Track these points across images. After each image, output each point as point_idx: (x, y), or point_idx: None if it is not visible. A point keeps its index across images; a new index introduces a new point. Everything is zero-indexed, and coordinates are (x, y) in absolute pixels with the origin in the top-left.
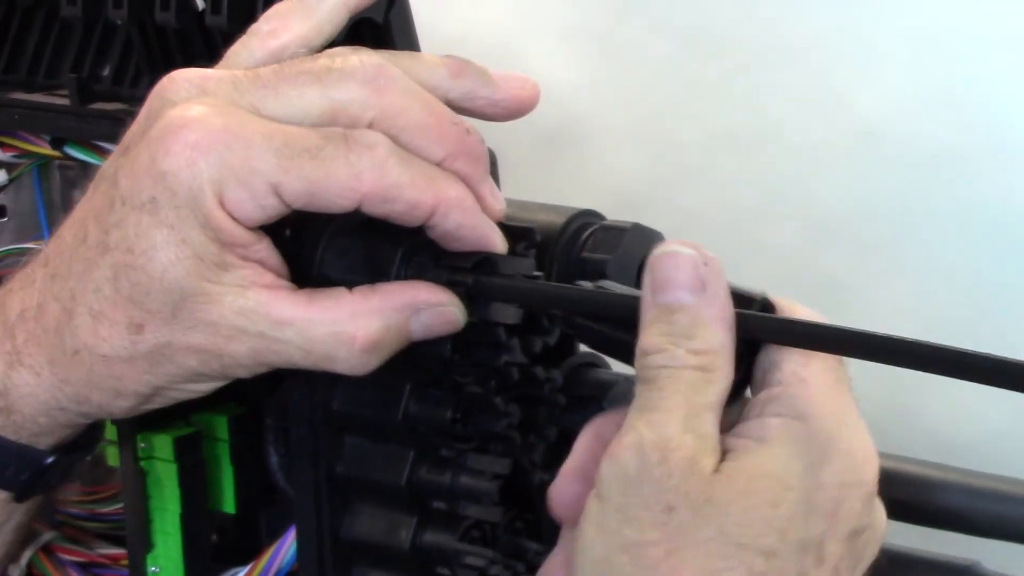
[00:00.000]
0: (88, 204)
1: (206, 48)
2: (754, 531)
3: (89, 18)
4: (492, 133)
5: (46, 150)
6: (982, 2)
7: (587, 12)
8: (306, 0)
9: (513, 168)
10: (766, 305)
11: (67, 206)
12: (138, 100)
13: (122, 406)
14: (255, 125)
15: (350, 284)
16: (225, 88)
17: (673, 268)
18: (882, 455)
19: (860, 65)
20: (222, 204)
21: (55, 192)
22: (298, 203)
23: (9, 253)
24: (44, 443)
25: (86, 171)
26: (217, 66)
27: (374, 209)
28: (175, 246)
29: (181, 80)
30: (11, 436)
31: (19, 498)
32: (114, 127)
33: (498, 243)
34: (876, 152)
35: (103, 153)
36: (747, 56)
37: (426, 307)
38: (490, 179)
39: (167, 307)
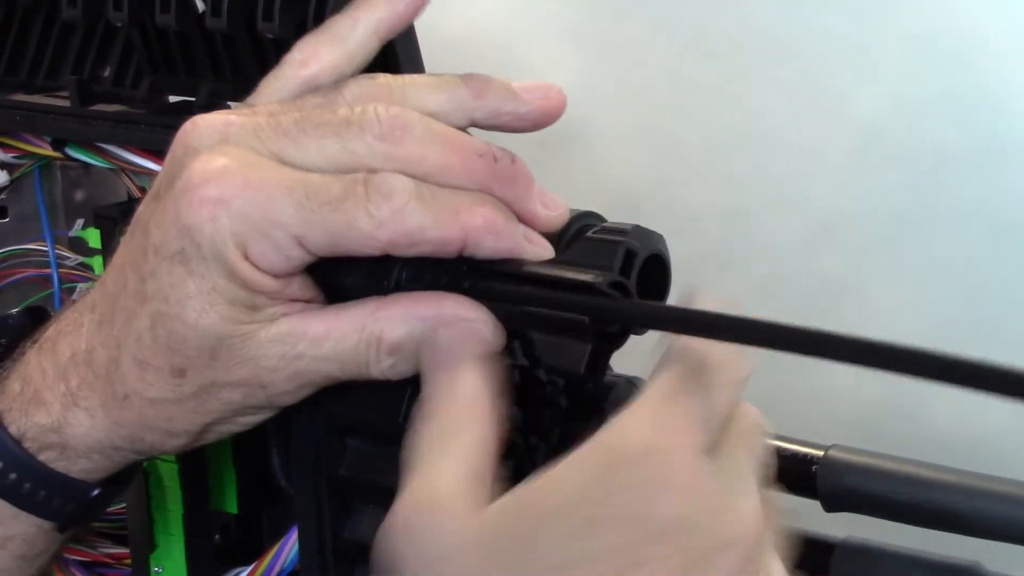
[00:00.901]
0: (126, 251)
1: (207, 50)
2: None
3: (90, 20)
4: (492, 133)
5: (47, 151)
6: (982, 2)
7: (587, 12)
8: (337, 29)
9: None
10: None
11: (68, 206)
12: (139, 101)
13: (175, 444)
14: (276, 177)
15: (350, 283)
16: (247, 136)
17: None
18: (882, 456)
19: (860, 65)
20: (247, 256)
21: (57, 193)
22: (323, 252)
23: (11, 254)
24: (93, 477)
25: (88, 171)
26: (251, 96)
27: (403, 252)
28: (206, 294)
29: (204, 126)
30: (62, 470)
31: (62, 528)
32: (115, 129)
33: (541, 253)
34: (876, 152)
35: (104, 154)
36: (747, 56)
37: (455, 320)
38: (537, 191)
39: (205, 353)
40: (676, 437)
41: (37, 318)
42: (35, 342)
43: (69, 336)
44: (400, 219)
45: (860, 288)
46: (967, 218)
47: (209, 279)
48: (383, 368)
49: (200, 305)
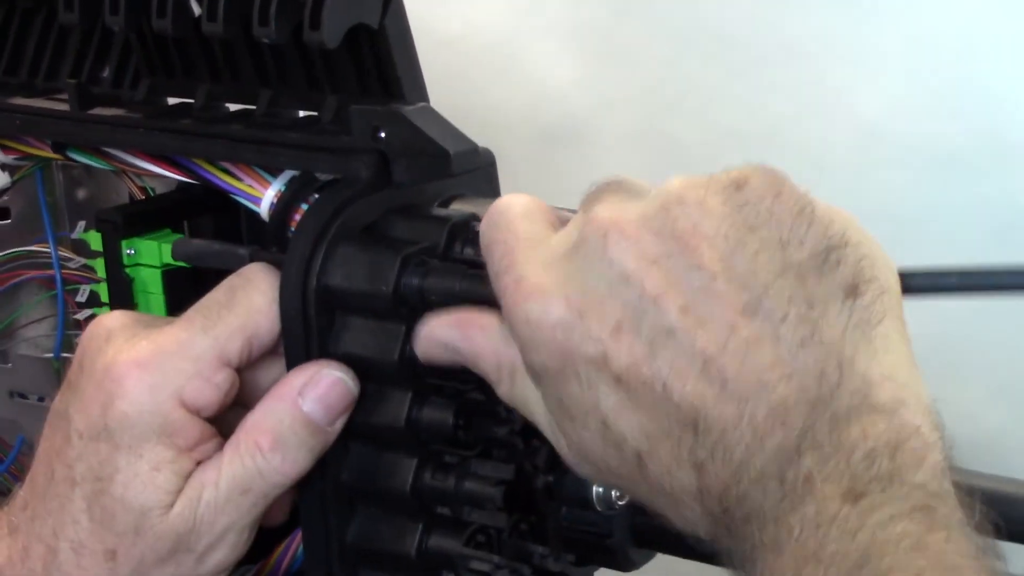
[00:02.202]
0: (48, 443)
1: (204, 54)
2: None
3: (86, 24)
4: (492, 133)
5: (49, 153)
6: (982, 3)
7: (587, 12)
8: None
9: (513, 168)
10: None
11: (70, 207)
12: (137, 103)
13: None
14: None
15: (350, 292)
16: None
17: None
18: (997, 479)
19: (860, 65)
20: (182, 402)
21: (58, 193)
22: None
23: (14, 256)
24: None
25: (89, 171)
26: None
27: None
28: (133, 465)
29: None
30: None
31: None
32: (114, 132)
33: None
34: (876, 152)
35: (105, 156)
36: (747, 56)
37: (311, 386)
38: None
39: (131, 528)
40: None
41: None
42: None
43: (5, 540)
44: None
45: None
46: (967, 218)
47: (136, 448)
48: (275, 466)
49: (125, 478)
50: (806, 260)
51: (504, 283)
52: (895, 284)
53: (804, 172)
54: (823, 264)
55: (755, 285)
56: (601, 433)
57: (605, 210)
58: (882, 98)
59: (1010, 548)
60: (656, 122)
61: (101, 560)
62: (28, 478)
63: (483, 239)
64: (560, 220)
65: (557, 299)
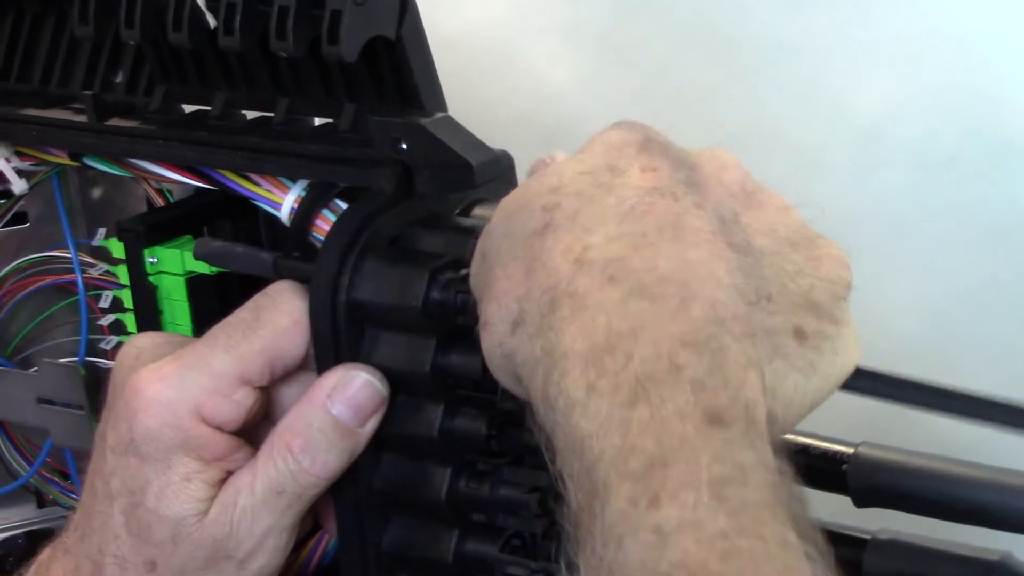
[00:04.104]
0: (92, 464)
1: (220, 66)
2: None
3: (100, 37)
4: (492, 133)
5: (65, 160)
6: (981, 2)
7: (587, 12)
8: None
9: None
10: None
11: (87, 209)
12: (153, 111)
13: None
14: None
15: (380, 306)
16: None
17: None
18: (911, 453)
19: (860, 65)
20: (202, 418)
21: (75, 197)
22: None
23: (33, 262)
24: None
25: (105, 174)
26: None
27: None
28: (162, 476)
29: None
30: None
31: None
32: (132, 144)
33: None
34: (875, 152)
35: (123, 164)
36: (747, 56)
37: (341, 388)
38: None
39: (168, 539)
40: None
41: (37, 541)
42: (31, 566)
43: (60, 561)
44: None
45: (859, 288)
46: (967, 218)
47: (164, 460)
48: (305, 468)
49: (157, 489)
50: (800, 291)
51: None
52: (825, 385)
53: (803, 172)
54: (807, 307)
55: (764, 245)
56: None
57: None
58: (881, 98)
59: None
60: (656, 122)
61: (143, 572)
62: (80, 500)
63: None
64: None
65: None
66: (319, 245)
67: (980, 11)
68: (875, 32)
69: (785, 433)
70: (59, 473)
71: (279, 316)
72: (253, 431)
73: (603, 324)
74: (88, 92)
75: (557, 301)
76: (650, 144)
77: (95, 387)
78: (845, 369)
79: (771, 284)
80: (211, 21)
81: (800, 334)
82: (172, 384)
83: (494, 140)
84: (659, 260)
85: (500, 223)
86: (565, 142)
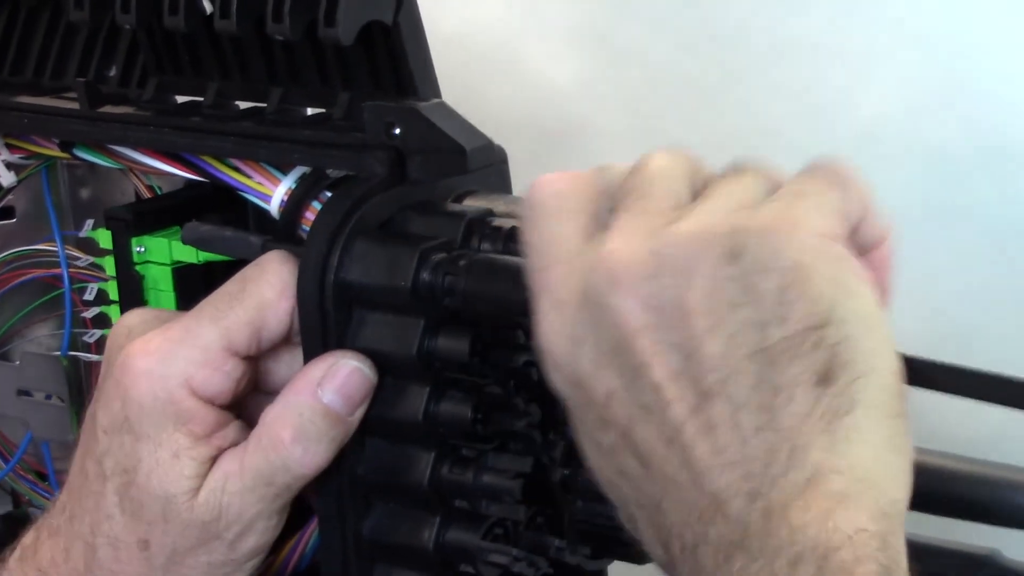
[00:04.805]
0: (82, 446)
1: (214, 52)
2: None
3: (96, 22)
4: (493, 133)
5: (55, 151)
6: (981, 3)
7: (587, 12)
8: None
9: (513, 168)
10: None
11: (75, 206)
12: (146, 101)
13: None
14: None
15: (368, 287)
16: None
17: None
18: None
19: (860, 65)
20: (193, 391)
21: (63, 192)
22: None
23: (20, 255)
24: None
25: (94, 170)
26: None
27: None
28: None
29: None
30: None
31: None
32: (124, 131)
33: None
34: (876, 152)
35: (112, 154)
36: (747, 56)
37: (330, 376)
38: None
39: (159, 516)
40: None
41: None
42: (15, 550)
43: (47, 542)
44: None
45: None
46: (967, 218)
47: (155, 437)
48: (297, 458)
49: (148, 466)
50: (780, 342)
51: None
52: (883, 366)
53: None
54: (799, 346)
55: (722, 368)
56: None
57: (615, 243)
58: (882, 98)
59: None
60: (656, 122)
61: (136, 551)
62: (66, 484)
63: (522, 230)
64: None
65: (566, 352)
66: None
67: (980, 11)
68: (875, 32)
69: (907, 496)
70: (36, 473)
71: (265, 287)
72: (242, 404)
73: None
74: (81, 79)
75: None
76: (569, 377)
77: (77, 379)
78: (878, 331)
79: (762, 377)
80: (207, 7)
81: (823, 378)
82: (161, 358)
83: (493, 139)
84: (684, 492)
85: None
86: (565, 142)
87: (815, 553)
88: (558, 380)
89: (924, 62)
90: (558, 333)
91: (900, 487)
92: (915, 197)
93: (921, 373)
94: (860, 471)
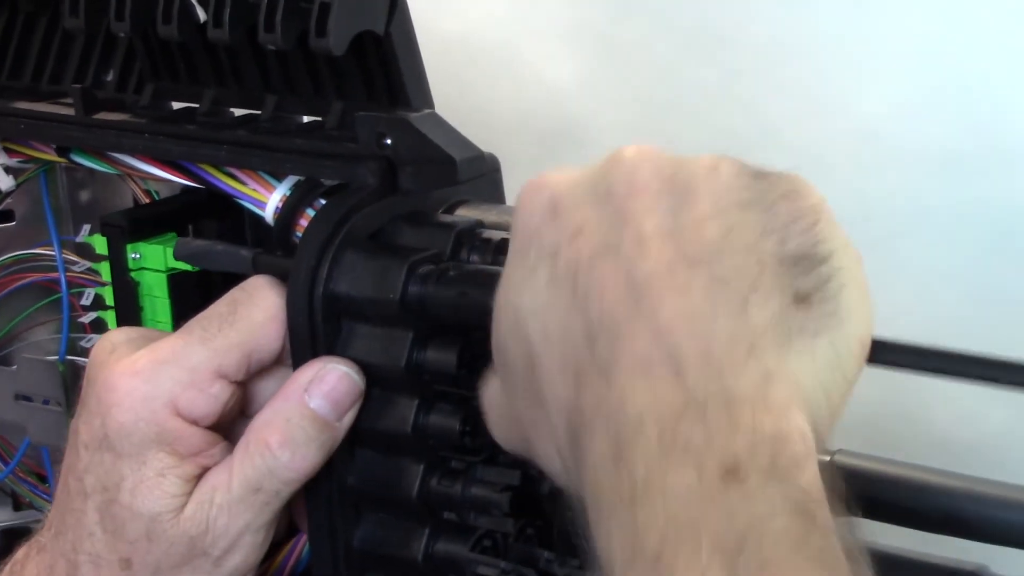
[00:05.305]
0: (66, 461)
1: (209, 60)
2: None
3: (91, 29)
4: (493, 134)
5: (52, 156)
6: (982, 3)
7: (587, 12)
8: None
9: (513, 168)
10: None
11: (74, 210)
12: (142, 107)
13: None
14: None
15: (357, 299)
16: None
17: None
18: (888, 462)
19: (860, 65)
20: (177, 411)
21: (62, 196)
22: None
23: (18, 259)
24: None
25: (93, 174)
26: None
27: None
28: (137, 472)
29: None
30: None
31: None
32: (120, 137)
33: None
34: (876, 152)
35: (109, 160)
36: (747, 56)
37: (318, 381)
38: None
39: (143, 535)
40: None
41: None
42: (6, 564)
43: (34, 559)
44: None
45: None
46: (967, 218)
47: (138, 456)
48: (284, 463)
49: (132, 485)
50: (776, 254)
51: None
52: (855, 324)
53: (804, 173)
54: (791, 266)
55: (715, 249)
56: (513, 328)
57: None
58: (882, 99)
59: (1017, 553)
60: (656, 122)
61: (117, 570)
62: (54, 496)
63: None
64: None
65: (547, 192)
66: None
67: (981, 12)
68: (876, 33)
69: (836, 419)
70: (36, 475)
71: (255, 310)
72: (229, 426)
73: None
74: (77, 85)
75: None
76: (557, 205)
77: (74, 384)
78: (865, 302)
79: (748, 271)
80: (201, 15)
81: (800, 298)
82: (147, 378)
83: (494, 140)
84: (637, 343)
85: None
86: (565, 143)
87: (773, 442)
88: (517, 231)
89: (924, 62)
90: (543, 187)
91: (825, 426)
92: (915, 197)
93: (885, 352)
94: (804, 389)
